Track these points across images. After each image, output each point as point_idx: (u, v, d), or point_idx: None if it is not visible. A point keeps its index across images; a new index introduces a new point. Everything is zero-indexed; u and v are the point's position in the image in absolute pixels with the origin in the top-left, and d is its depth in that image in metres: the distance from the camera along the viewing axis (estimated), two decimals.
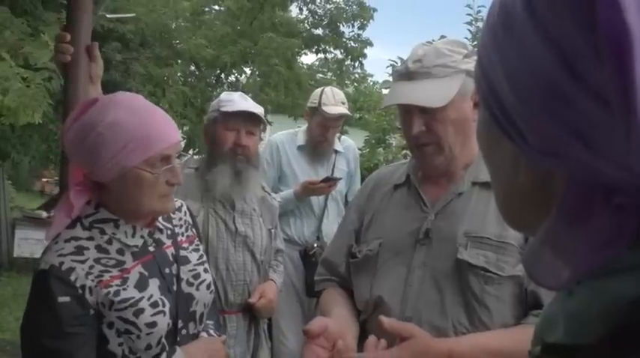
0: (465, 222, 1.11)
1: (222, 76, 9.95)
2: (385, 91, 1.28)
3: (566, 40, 0.32)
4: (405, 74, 1.14)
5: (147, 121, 1.13)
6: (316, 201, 2.69)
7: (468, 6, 6.65)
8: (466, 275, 1.07)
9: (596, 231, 0.33)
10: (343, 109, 2.65)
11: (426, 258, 1.12)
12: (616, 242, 0.33)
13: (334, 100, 2.63)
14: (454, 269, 1.08)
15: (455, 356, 0.98)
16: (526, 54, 0.35)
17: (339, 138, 2.90)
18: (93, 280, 1.10)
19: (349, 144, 2.96)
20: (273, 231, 1.98)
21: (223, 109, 1.82)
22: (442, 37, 1.46)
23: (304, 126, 2.81)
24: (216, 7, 10.56)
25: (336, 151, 2.79)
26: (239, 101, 1.84)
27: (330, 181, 2.57)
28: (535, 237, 0.38)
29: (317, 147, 2.70)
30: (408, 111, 1.14)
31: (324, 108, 2.60)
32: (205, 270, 1.32)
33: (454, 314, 1.07)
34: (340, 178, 2.66)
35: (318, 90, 2.76)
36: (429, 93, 1.09)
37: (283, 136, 2.81)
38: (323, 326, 1.02)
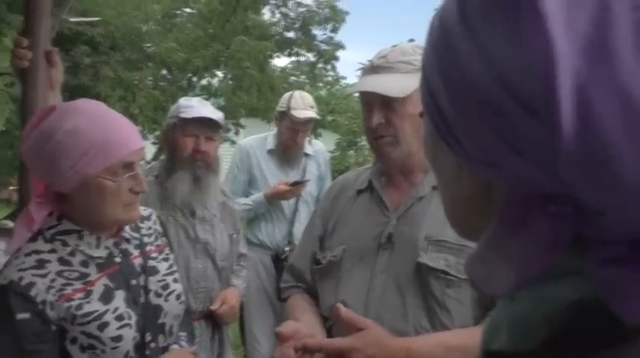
0: (425, 226, 1.13)
1: (194, 79, 9.87)
2: (357, 94, 1.33)
3: (497, 52, 0.33)
4: (370, 69, 1.19)
5: (107, 128, 1.10)
6: (287, 204, 2.69)
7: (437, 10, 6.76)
8: (427, 279, 1.08)
9: (534, 239, 0.34)
10: (312, 113, 2.66)
11: (388, 262, 1.13)
12: (554, 249, 0.34)
13: (303, 104, 2.64)
14: (415, 272, 1.09)
15: (413, 352, 0.98)
16: (461, 65, 0.35)
17: (310, 142, 2.91)
18: (54, 294, 1.07)
19: (319, 147, 2.97)
20: (234, 236, 1.98)
21: (182, 115, 1.81)
22: (411, 40, 1.50)
23: (274, 131, 2.82)
24: (188, 10, 10.47)
25: (307, 155, 2.81)
26: (198, 107, 1.83)
27: (299, 185, 2.59)
28: (477, 244, 0.38)
29: (287, 151, 2.71)
30: (369, 104, 1.18)
31: (292, 112, 2.61)
32: (175, 280, 1.30)
33: (415, 318, 1.07)
34: (308, 180, 2.67)
35: (287, 94, 2.76)
36: (389, 84, 1.12)
37: (253, 141, 2.81)
38: (295, 329, 1.02)
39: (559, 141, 0.30)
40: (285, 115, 2.65)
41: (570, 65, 0.30)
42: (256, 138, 2.83)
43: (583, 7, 0.30)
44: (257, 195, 2.63)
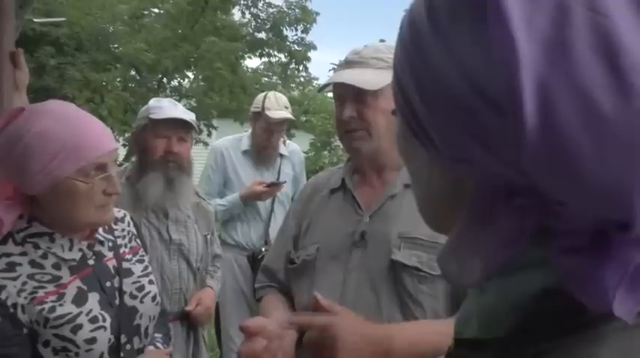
0: (398, 224, 1.14)
1: (164, 80, 9.74)
2: (329, 94, 1.37)
3: (465, 52, 0.34)
4: (343, 64, 1.20)
5: (78, 129, 1.09)
6: (263, 205, 2.69)
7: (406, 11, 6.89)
8: (400, 276, 1.09)
9: (502, 231, 0.36)
10: (287, 114, 2.67)
11: (361, 260, 1.14)
12: (519, 240, 0.35)
13: (277, 105, 2.65)
14: (389, 270, 1.10)
15: (397, 337, 0.96)
16: (430, 64, 0.37)
17: (284, 143, 2.92)
18: (26, 297, 1.05)
19: (294, 148, 2.98)
20: (209, 237, 1.97)
21: (152, 116, 1.79)
22: (381, 40, 1.53)
23: (249, 131, 2.81)
24: (156, 11, 10.31)
25: (282, 155, 2.81)
26: (168, 107, 1.81)
27: (275, 186, 2.60)
28: (448, 237, 0.40)
29: (262, 152, 2.71)
30: (341, 98, 1.19)
31: (267, 112, 2.61)
32: (150, 282, 1.29)
33: (390, 314, 1.09)
34: (285, 182, 2.68)
35: (262, 95, 2.77)
36: (362, 77, 1.14)
37: (227, 142, 2.80)
38: (261, 325, 1.01)
39: (523, 138, 0.32)
40: (259, 116, 2.65)
41: (532, 64, 0.31)
42: (231, 139, 2.82)
43: (543, 7, 0.32)
44: (232, 196, 2.62)
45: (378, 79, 1.13)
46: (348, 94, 1.16)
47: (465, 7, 0.35)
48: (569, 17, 0.31)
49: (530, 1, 0.32)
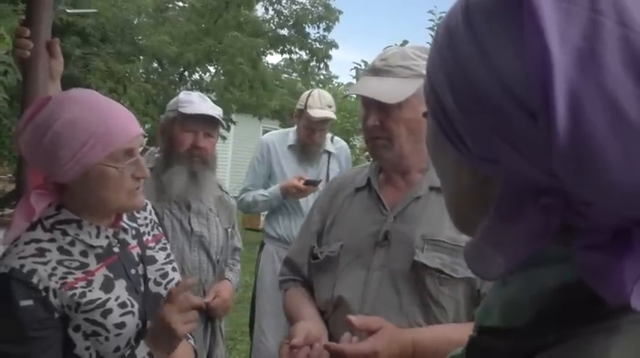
0: (422, 226, 1.15)
1: (186, 74, 9.81)
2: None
3: (500, 57, 0.36)
4: (371, 70, 1.21)
5: (105, 116, 1.10)
6: (304, 200, 2.70)
7: (431, 12, 6.86)
8: (423, 277, 1.11)
9: (526, 228, 0.37)
10: (329, 113, 2.68)
11: (384, 259, 1.15)
12: (543, 237, 0.37)
13: (320, 104, 2.67)
14: (411, 270, 1.12)
15: (418, 345, 1.02)
16: (465, 68, 0.39)
17: (332, 139, 2.92)
18: (57, 282, 1.07)
19: (341, 144, 2.99)
20: (229, 230, 1.99)
21: (182, 110, 1.81)
22: (405, 41, 1.53)
23: (295, 126, 2.83)
24: (180, 4, 10.39)
25: (329, 153, 2.82)
26: (198, 103, 1.84)
27: (311, 184, 2.60)
28: (475, 233, 0.42)
29: (305, 148, 2.74)
30: (367, 105, 1.20)
31: (309, 111, 2.63)
32: (173, 269, 1.31)
33: (411, 314, 1.10)
34: (320, 181, 2.68)
35: (306, 92, 2.80)
36: (385, 89, 1.14)
37: (274, 136, 2.85)
38: (305, 335, 1.06)
39: (554, 139, 0.34)
40: (302, 113, 2.68)
41: (564, 72, 0.33)
42: (278, 133, 2.87)
43: (576, 21, 0.34)
44: (273, 187, 2.66)
45: (402, 90, 1.13)
46: (372, 103, 1.18)
47: (501, 15, 0.36)
48: (600, 31, 0.33)
49: (564, 13, 0.34)
